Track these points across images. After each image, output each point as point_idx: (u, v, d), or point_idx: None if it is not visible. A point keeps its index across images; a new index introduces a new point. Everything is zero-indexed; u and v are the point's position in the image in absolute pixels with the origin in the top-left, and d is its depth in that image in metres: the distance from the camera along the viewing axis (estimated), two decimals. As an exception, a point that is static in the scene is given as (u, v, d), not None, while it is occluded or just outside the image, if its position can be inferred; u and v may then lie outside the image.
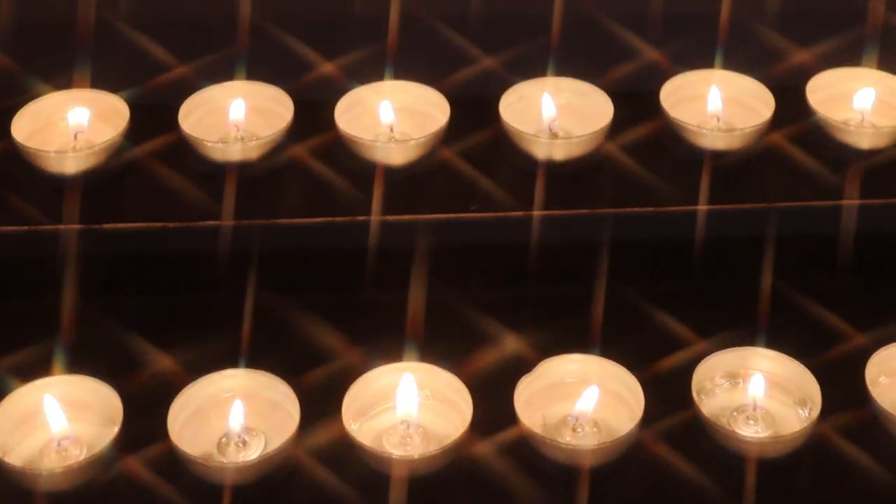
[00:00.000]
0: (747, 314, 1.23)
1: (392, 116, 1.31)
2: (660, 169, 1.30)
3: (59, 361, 1.20)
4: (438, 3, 1.39)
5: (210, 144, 1.27)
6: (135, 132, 1.29)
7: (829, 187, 1.27)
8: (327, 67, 1.36)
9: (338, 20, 1.39)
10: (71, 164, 1.27)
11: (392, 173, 1.27)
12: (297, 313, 1.25)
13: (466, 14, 1.38)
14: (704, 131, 1.29)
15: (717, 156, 1.29)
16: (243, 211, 1.25)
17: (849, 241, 1.28)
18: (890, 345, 1.20)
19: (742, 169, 1.29)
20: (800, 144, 1.31)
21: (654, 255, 1.30)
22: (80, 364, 1.19)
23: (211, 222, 1.24)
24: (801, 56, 1.36)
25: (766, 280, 1.25)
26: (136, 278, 1.30)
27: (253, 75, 1.33)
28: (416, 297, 1.24)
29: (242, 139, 1.29)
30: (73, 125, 1.30)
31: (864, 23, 1.36)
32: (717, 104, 1.33)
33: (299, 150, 1.29)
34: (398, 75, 1.34)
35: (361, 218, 1.25)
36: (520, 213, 1.26)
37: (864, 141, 1.30)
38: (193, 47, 1.37)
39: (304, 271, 1.29)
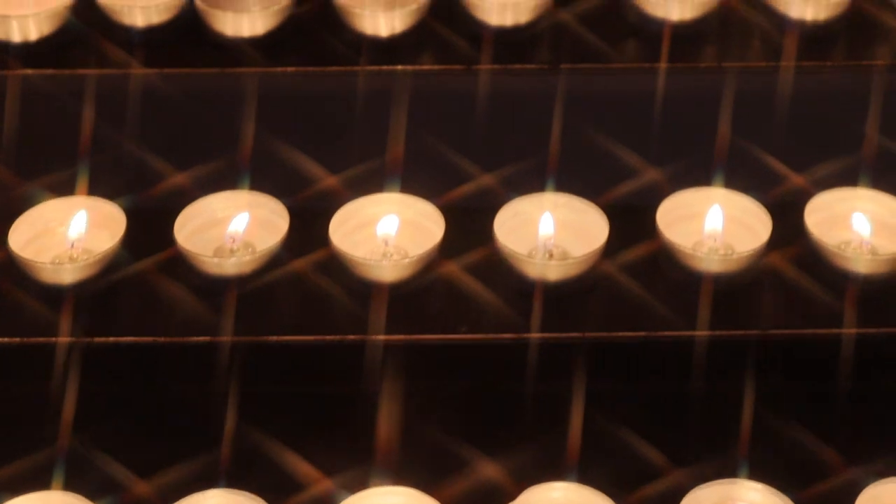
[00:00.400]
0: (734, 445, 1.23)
1: (392, 230, 1.31)
2: (654, 290, 1.29)
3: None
4: (437, 118, 1.39)
5: (205, 259, 1.28)
6: (131, 242, 1.30)
7: (826, 314, 1.27)
8: (328, 180, 1.37)
9: (337, 133, 1.39)
10: (67, 276, 1.28)
11: (385, 290, 1.27)
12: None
13: (465, 130, 1.38)
14: (700, 255, 1.29)
15: (713, 278, 1.28)
16: (237, 325, 1.26)
17: (847, 369, 1.27)
18: (882, 480, 1.19)
19: (737, 292, 1.28)
20: (798, 266, 1.30)
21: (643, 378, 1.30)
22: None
23: (204, 338, 1.25)
24: (798, 178, 1.35)
25: (756, 408, 1.25)
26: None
27: (252, 186, 1.34)
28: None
29: (236, 252, 1.30)
30: (71, 234, 1.31)
31: (861, 146, 1.36)
32: (714, 224, 1.32)
33: (294, 265, 1.29)
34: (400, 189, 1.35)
35: (352, 337, 1.25)
36: (510, 336, 1.25)
37: (862, 266, 1.29)
38: (190, 157, 1.38)
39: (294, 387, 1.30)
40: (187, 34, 1.36)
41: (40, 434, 1.25)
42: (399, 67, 1.35)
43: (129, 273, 1.28)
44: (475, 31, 1.36)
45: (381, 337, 1.24)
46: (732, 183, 1.33)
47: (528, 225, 1.33)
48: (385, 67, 1.35)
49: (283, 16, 1.36)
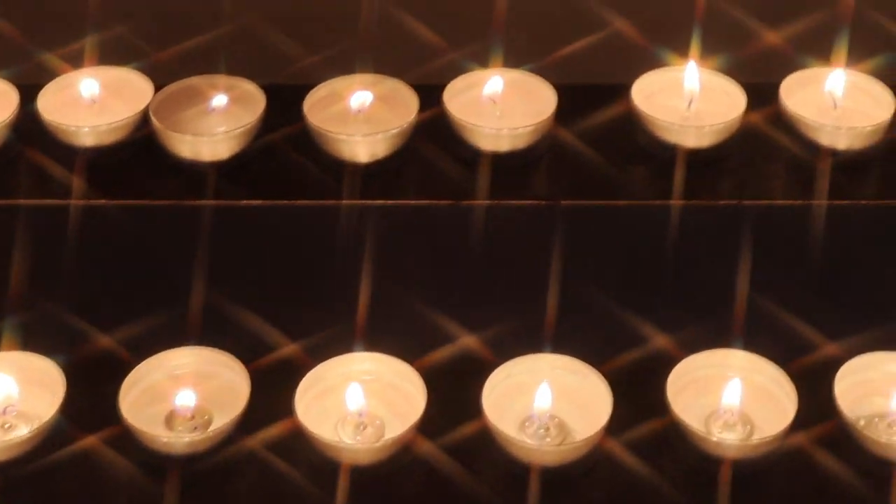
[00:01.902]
0: None
1: (359, 402, 1.12)
2: (662, 469, 1.11)
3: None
4: (419, 258, 1.20)
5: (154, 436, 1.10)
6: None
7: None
8: (289, 347, 1.17)
9: (306, 278, 1.20)
10: None
11: (358, 472, 1.09)
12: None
13: (451, 274, 1.19)
14: (714, 438, 1.11)
15: (728, 463, 1.10)
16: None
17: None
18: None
19: (760, 474, 1.11)
20: (824, 447, 1.12)
21: None
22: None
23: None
24: (829, 346, 1.17)
25: None
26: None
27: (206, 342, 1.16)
28: None
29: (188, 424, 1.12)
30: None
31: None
32: (731, 399, 1.14)
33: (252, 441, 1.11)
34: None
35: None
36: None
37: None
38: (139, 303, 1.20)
39: None
40: (141, 158, 1.18)
41: None
42: (378, 202, 1.17)
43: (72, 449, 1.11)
44: (467, 157, 1.19)
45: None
46: (753, 345, 1.16)
47: (523, 388, 1.15)
48: (363, 202, 1.17)
49: (250, 139, 1.19)
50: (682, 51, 1.23)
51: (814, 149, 1.19)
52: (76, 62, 1.22)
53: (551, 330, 1.14)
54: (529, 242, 1.19)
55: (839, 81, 1.24)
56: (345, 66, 1.21)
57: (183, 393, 1.11)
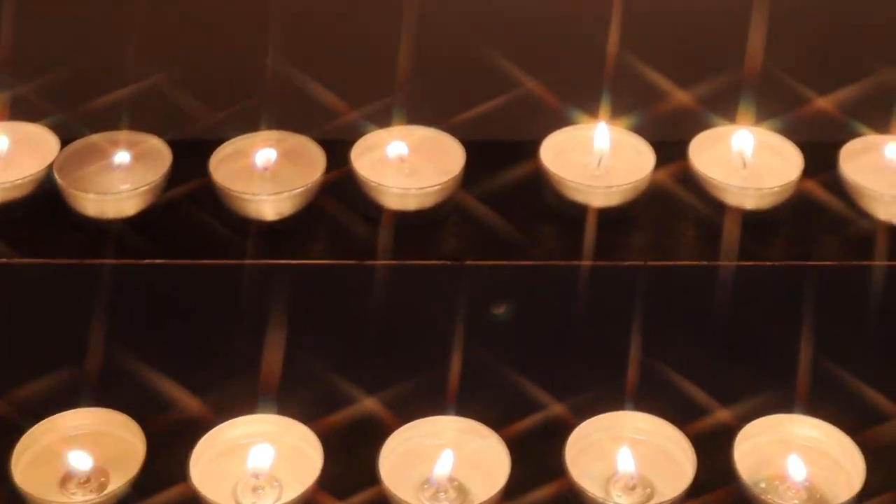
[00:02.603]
0: None
1: (266, 461, 1.10)
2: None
3: None
4: (322, 320, 1.19)
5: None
6: None
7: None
8: (190, 403, 1.15)
9: (209, 338, 1.19)
10: None
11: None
12: None
13: (353, 336, 1.18)
14: (611, 502, 1.09)
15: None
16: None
17: None
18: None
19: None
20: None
21: None
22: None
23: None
24: (727, 411, 1.15)
25: None
26: None
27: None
28: None
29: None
30: None
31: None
32: (627, 464, 1.12)
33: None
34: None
35: None
36: None
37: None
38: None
39: None
40: (46, 214, 1.16)
41: None
42: (283, 262, 1.16)
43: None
44: (373, 216, 1.17)
45: None
46: (652, 407, 1.15)
47: (420, 455, 1.14)
48: (269, 261, 1.15)
49: (154, 196, 1.17)
50: (593, 109, 1.22)
51: (721, 208, 1.19)
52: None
53: (453, 392, 1.13)
54: (434, 302, 1.18)
55: (747, 140, 1.22)
56: (252, 123, 1.20)
57: (76, 455, 1.10)
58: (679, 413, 1.13)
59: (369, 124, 1.21)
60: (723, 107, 1.22)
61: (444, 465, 1.10)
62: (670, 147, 1.21)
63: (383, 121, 1.21)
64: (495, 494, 1.08)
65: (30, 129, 1.21)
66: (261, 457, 1.10)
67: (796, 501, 1.11)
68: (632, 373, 1.14)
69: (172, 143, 1.19)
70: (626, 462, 1.11)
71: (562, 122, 1.22)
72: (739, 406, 1.15)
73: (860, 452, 1.11)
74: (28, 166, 1.17)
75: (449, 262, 1.16)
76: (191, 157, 1.19)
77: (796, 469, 1.12)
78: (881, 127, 1.24)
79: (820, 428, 1.15)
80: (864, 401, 1.17)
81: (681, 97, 1.24)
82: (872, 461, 1.11)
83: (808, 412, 1.14)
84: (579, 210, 1.18)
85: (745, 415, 1.14)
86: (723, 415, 1.15)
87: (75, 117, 1.21)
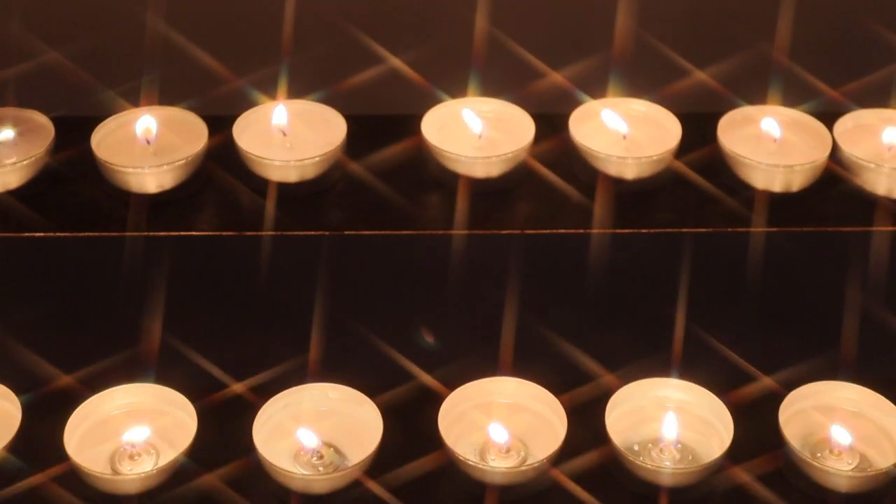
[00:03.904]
0: None
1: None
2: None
3: None
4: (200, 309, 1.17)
5: None
6: None
7: None
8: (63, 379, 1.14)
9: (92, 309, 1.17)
10: None
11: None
12: None
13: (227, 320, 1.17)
14: (485, 466, 1.08)
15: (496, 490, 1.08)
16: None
17: None
18: None
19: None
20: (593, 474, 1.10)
21: None
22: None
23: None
24: (604, 377, 1.14)
25: None
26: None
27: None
28: None
29: None
30: None
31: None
32: (499, 434, 1.11)
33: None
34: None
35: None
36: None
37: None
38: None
39: None
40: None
41: None
42: (164, 233, 1.14)
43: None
44: (256, 188, 1.16)
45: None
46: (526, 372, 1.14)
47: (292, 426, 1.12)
48: (150, 233, 1.14)
49: (37, 170, 1.16)
50: (468, 84, 1.21)
51: (600, 178, 1.18)
52: None
53: (318, 358, 1.12)
54: (315, 272, 1.17)
55: (622, 112, 1.22)
56: (134, 98, 1.19)
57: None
58: (554, 380, 1.13)
59: (252, 98, 1.21)
60: (596, 80, 1.21)
61: (309, 438, 1.10)
62: (550, 119, 1.21)
63: (265, 94, 1.21)
64: (366, 458, 1.07)
65: None
66: (137, 426, 1.10)
67: (668, 462, 1.11)
68: (506, 337, 1.14)
69: (57, 120, 1.18)
70: (496, 432, 1.10)
71: (436, 99, 1.22)
72: (617, 372, 1.15)
73: (728, 412, 1.12)
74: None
75: (328, 233, 1.15)
76: (76, 133, 1.18)
77: (669, 430, 1.12)
78: (757, 100, 1.24)
79: (691, 390, 1.15)
80: (734, 364, 1.16)
81: (559, 76, 1.23)
82: (740, 420, 1.11)
83: (680, 376, 1.14)
84: (459, 181, 1.18)
85: (623, 377, 1.14)
86: (598, 380, 1.14)
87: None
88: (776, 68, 1.22)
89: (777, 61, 1.22)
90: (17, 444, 1.07)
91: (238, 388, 1.13)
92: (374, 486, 1.06)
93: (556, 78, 1.22)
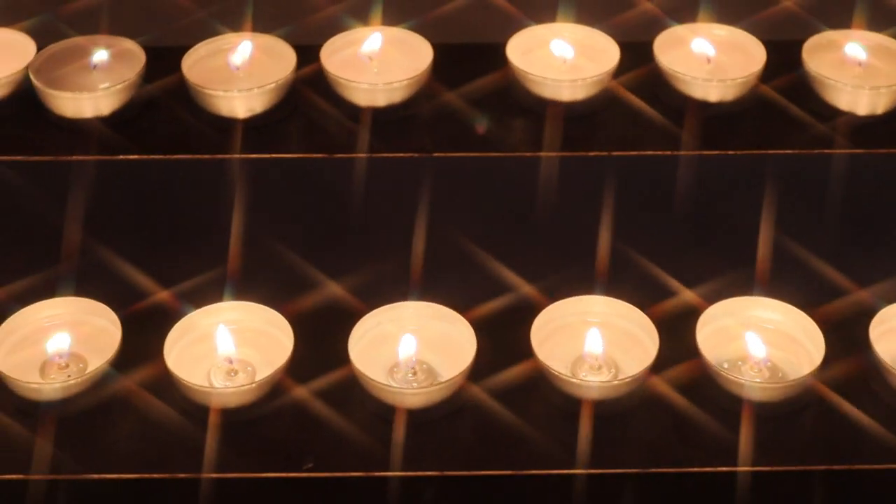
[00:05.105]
0: None
1: (230, 348, 1.10)
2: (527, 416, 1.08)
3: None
4: (297, 208, 1.17)
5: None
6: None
7: None
8: (161, 294, 1.14)
9: (184, 229, 1.17)
10: None
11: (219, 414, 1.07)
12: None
13: (327, 222, 1.16)
14: (577, 380, 1.08)
15: (590, 404, 1.07)
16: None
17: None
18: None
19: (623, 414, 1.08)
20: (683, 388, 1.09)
21: None
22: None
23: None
24: (689, 294, 1.13)
25: None
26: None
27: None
28: None
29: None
30: None
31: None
32: (594, 345, 1.11)
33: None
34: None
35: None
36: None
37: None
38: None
39: None
40: (22, 114, 1.15)
41: None
42: (254, 156, 1.14)
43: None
44: (345, 112, 1.15)
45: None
46: (616, 291, 1.13)
47: (388, 340, 1.11)
48: (242, 156, 1.14)
49: (130, 94, 1.15)
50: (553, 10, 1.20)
51: (685, 101, 1.16)
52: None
53: (418, 278, 1.11)
54: (404, 193, 1.16)
55: (710, 38, 1.21)
56: (226, 24, 1.18)
57: (55, 341, 1.09)
58: (642, 297, 1.11)
59: (340, 25, 1.20)
60: (687, 7, 1.20)
61: (407, 349, 1.09)
62: (635, 47, 1.19)
63: (354, 21, 1.20)
64: (459, 375, 1.06)
65: (5, 33, 1.20)
66: (230, 341, 1.09)
67: (758, 379, 1.10)
68: (596, 257, 1.12)
69: (148, 47, 1.18)
70: (592, 344, 1.09)
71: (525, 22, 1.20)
72: (702, 288, 1.13)
73: (819, 329, 1.10)
74: (4, 69, 1.17)
75: (417, 154, 1.14)
76: (167, 60, 1.17)
77: (756, 348, 1.10)
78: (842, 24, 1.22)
79: (780, 308, 1.13)
80: (822, 280, 1.15)
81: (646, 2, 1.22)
82: (831, 337, 1.09)
83: (767, 294, 1.13)
84: (546, 105, 1.17)
85: (708, 297, 1.12)
86: (687, 297, 1.13)
87: (52, 21, 1.20)
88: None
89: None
90: (118, 359, 1.07)
91: (336, 303, 1.13)
92: (469, 398, 1.06)
93: (645, 4, 1.21)
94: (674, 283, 1.13)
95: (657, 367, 1.07)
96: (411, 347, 1.08)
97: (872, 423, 1.08)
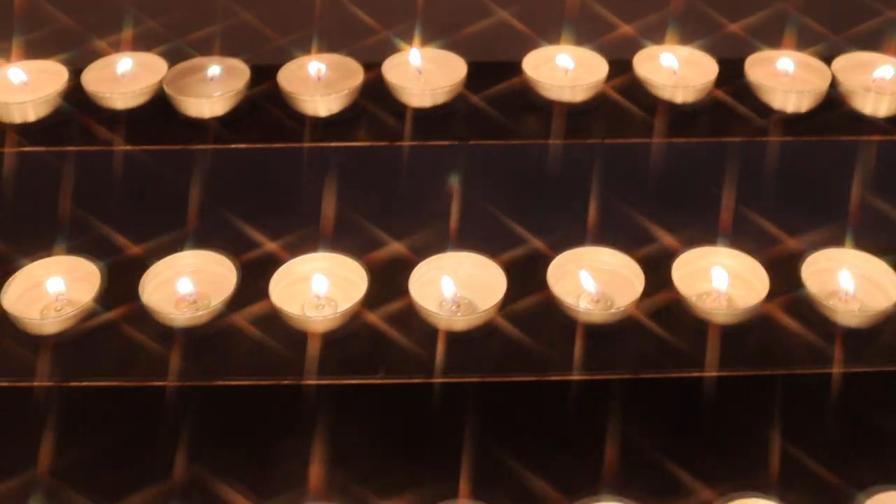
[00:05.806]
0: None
1: (323, 287, 1.44)
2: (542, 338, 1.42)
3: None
4: (365, 185, 1.52)
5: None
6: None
7: None
8: (269, 245, 1.49)
9: (281, 198, 1.52)
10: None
11: (317, 338, 1.40)
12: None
13: (388, 195, 1.51)
14: (581, 308, 1.41)
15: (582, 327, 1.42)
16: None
17: None
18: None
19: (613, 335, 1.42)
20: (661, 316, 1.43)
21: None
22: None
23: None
24: (668, 240, 1.48)
25: None
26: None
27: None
28: None
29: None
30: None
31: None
32: (589, 284, 1.45)
33: (238, 317, 1.43)
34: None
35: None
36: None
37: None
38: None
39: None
40: (158, 115, 1.49)
41: None
42: (333, 144, 1.48)
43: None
44: (399, 111, 1.50)
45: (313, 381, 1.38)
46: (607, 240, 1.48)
47: (437, 281, 1.46)
48: (323, 144, 1.47)
49: (238, 100, 1.49)
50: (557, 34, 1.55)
51: (658, 102, 1.51)
52: (115, 47, 1.55)
53: (456, 234, 1.46)
54: (445, 171, 1.50)
55: (677, 56, 1.55)
56: (307, 46, 1.52)
57: (184, 283, 1.43)
58: (632, 245, 1.45)
59: (393, 46, 1.55)
60: (658, 32, 1.54)
61: (449, 287, 1.42)
62: (619, 64, 1.54)
63: (403, 43, 1.55)
64: (492, 308, 1.40)
65: (144, 56, 1.54)
66: (321, 283, 1.43)
67: (719, 307, 1.43)
68: (598, 217, 1.47)
69: (251, 64, 1.51)
70: (587, 282, 1.43)
71: (536, 43, 1.55)
72: (677, 238, 1.48)
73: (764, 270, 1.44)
74: (144, 81, 1.50)
75: (456, 142, 1.48)
76: (266, 73, 1.52)
77: (719, 282, 1.44)
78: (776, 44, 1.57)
79: (737, 256, 1.47)
80: (766, 233, 1.49)
81: (623, 21, 1.57)
82: (772, 276, 1.43)
83: (728, 245, 1.47)
84: (552, 105, 1.51)
85: (682, 244, 1.46)
86: (665, 244, 1.47)
87: (179, 46, 1.54)
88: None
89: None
90: (233, 301, 1.41)
91: (398, 254, 1.47)
92: (499, 323, 1.39)
93: (626, 29, 1.56)
94: (655, 234, 1.47)
95: (642, 299, 1.41)
96: (452, 286, 1.42)
97: (804, 338, 1.41)
